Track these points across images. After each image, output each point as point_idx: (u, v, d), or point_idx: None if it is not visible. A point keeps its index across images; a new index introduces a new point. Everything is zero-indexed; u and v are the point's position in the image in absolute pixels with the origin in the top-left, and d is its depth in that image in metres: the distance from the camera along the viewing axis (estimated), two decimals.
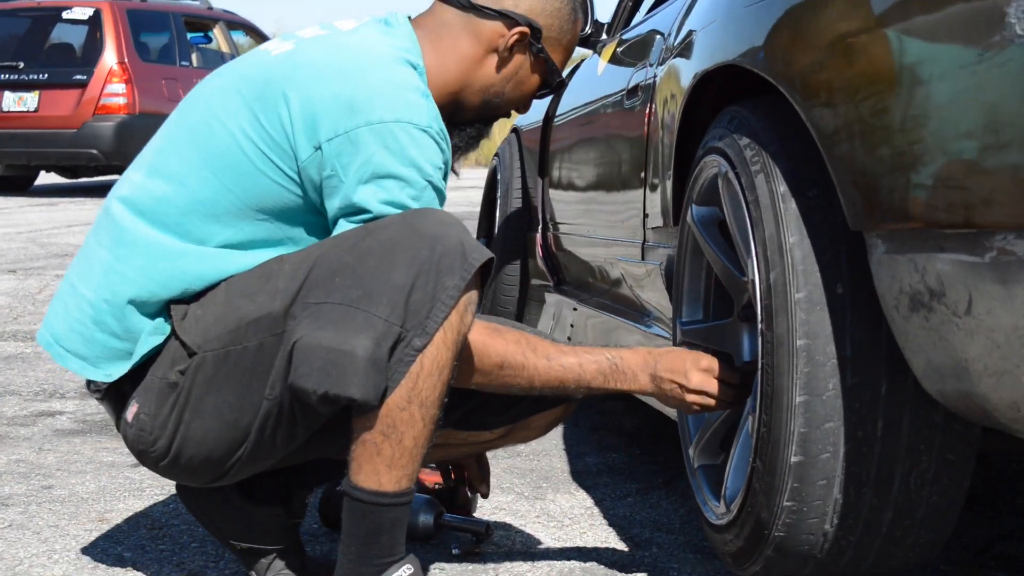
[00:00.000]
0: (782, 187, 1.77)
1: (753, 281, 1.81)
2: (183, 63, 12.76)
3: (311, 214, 1.88)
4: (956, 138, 1.40)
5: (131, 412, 1.89)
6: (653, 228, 2.58)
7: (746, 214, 1.84)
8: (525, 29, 1.98)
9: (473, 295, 1.79)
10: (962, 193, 1.40)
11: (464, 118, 2.05)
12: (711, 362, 1.98)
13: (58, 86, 11.94)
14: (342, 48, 1.89)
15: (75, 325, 1.90)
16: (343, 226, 1.83)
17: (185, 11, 13.44)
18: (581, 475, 2.86)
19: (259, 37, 14.51)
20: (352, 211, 1.82)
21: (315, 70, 1.85)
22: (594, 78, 3.40)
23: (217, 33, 13.80)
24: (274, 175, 1.84)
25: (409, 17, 2.02)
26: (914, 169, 1.47)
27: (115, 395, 1.93)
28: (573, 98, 3.67)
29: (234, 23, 14.09)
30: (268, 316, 1.81)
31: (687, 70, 2.24)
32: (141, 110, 11.76)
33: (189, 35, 13.27)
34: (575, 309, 3.35)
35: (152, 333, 1.88)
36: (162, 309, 1.88)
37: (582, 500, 2.65)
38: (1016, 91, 1.32)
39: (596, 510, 2.58)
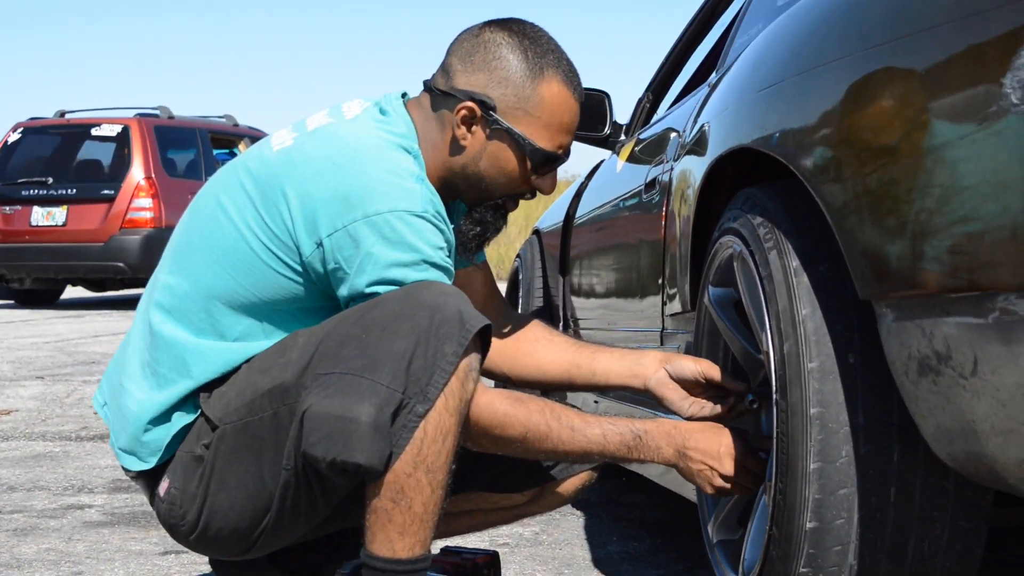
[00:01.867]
0: (794, 262, 1.83)
1: (767, 353, 1.86)
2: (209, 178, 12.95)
3: (322, 299, 1.95)
4: (958, 205, 1.47)
5: (163, 487, 1.95)
6: (671, 315, 2.64)
7: (760, 290, 1.90)
8: (470, 104, 1.99)
9: (473, 360, 1.84)
10: (965, 258, 1.46)
11: (469, 202, 2.10)
12: (738, 446, 2.02)
13: (86, 201, 12.15)
14: (336, 141, 1.96)
15: (127, 427, 1.98)
16: None
17: (211, 128, 13.70)
18: (603, 562, 2.88)
19: None
20: (360, 299, 1.89)
21: (311, 167, 1.92)
22: (613, 177, 3.50)
23: (242, 149, 14.04)
24: (281, 269, 1.92)
25: (405, 96, 2.09)
26: (919, 238, 1.53)
27: (149, 473, 1.99)
28: (593, 198, 3.77)
29: (258, 139, 14.31)
30: (280, 387, 1.88)
31: (702, 157, 2.32)
32: (167, 224, 11.94)
33: (215, 151, 13.51)
34: (596, 402, 3.39)
35: (183, 415, 1.95)
36: (194, 395, 1.96)
37: None
38: (1014, 157, 1.39)
39: None
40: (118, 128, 12.49)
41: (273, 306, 1.94)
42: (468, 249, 2.10)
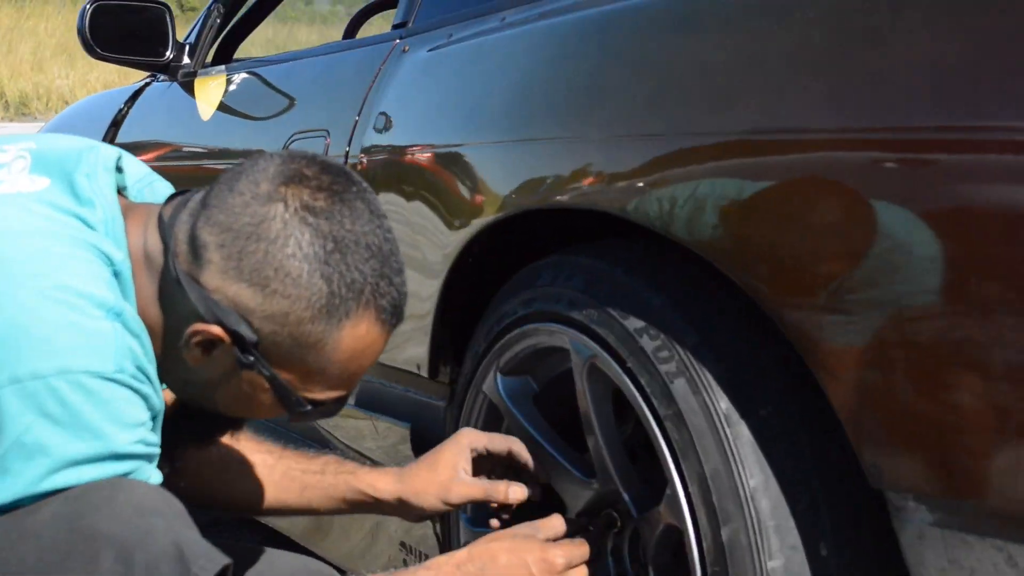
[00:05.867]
0: (723, 402, 1.27)
1: (687, 534, 1.29)
2: None
3: None
4: None
5: None
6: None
7: (656, 433, 1.32)
8: (216, 332, 1.25)
9: None
10: None
11: (186, 400, 1.39)
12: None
13: None
14: None
15: None
16: None
17: None
18: None
19: None
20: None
21: None
22: (195, 123, 2.70)
23: None
24: None
25: (121, 171, 1.36)
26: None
27: None
28: (154, 138, 2.95)
29: None
30: None
31: (457, 198, 1.66)
32: None
33: None
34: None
35: None
36: None
37: None
38: None
39: None
40: None
41: None
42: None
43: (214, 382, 1.30)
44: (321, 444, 2.29)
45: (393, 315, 1.28)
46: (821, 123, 1.17)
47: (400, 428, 1.86)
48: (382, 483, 1.59)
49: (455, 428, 1.69)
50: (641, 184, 1.32)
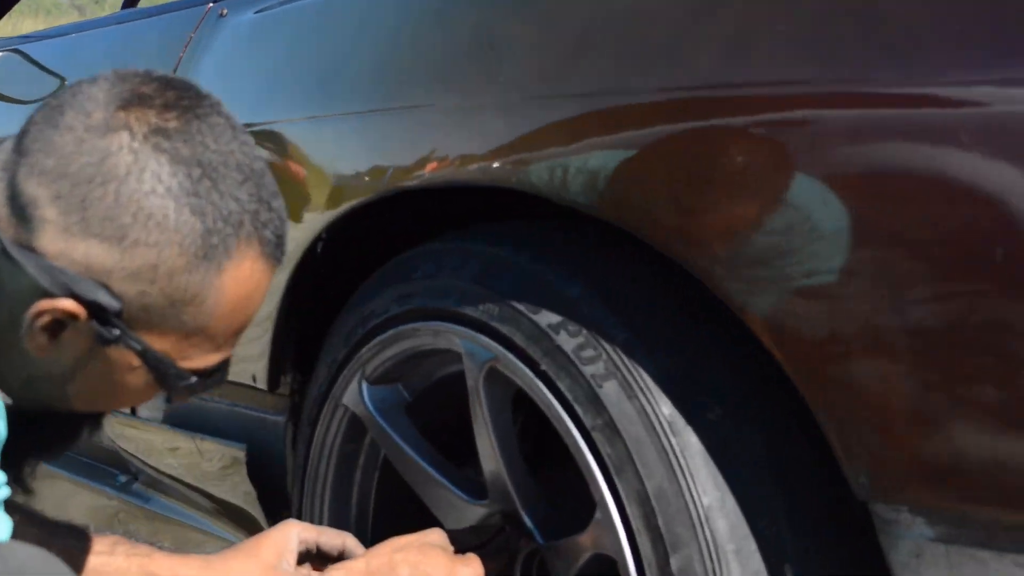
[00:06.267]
0: (665, 407, 1.08)
1: (624, 565, 1.10)
2: None
3: None
4: None
5: None
6: None
7: (581, 447, 1.12)
8: (67, 308, 0.97)
9: None
10: None
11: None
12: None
13: None
14: None
15: None
16: None
17: None
18: None
19: None
20: None
21: None
22: None
23: None
24: None
25: None
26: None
27: None
28: None
29: None
30: None
31: (327, 174, 1.43)
32: None
33: None
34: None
35: None
36: None
37: None
38: None
39: None
40: None
41: None
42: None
43: (67, 372, 1.02)
44: (116, 466, 2.03)
45: (277, 247, 1.03)
46: (777, 77, 1.00)
47: (226, 448, 1.61)
48: (186, 569, 1.31)
49: (306, 447, 1.46)
50: (551, 153, 1.12)
